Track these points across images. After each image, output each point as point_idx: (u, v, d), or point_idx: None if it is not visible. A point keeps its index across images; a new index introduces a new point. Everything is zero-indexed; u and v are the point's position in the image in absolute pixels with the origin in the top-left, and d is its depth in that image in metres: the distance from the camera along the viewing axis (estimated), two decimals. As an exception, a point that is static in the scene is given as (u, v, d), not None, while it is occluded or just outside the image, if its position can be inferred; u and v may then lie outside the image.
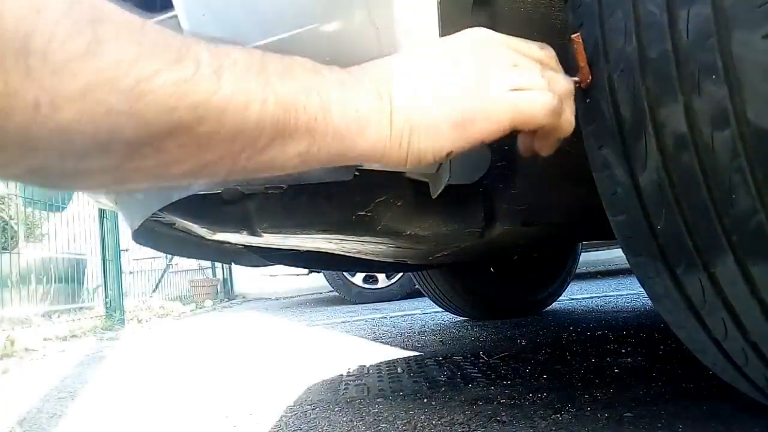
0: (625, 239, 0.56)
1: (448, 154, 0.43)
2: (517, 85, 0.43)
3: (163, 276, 6.53)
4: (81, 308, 3.95)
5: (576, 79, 0.51)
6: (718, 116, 0.42)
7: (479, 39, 0.45)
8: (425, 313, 2.59)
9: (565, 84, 0.47)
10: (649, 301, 2.16)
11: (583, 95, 0.53)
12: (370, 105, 0.40)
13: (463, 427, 0.81)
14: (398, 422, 0.87)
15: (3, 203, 3.94)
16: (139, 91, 0.28)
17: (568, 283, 2.18)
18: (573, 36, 0.51)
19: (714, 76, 0.41)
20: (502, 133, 0.44)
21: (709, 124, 0.43)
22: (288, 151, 0.37)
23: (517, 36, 0.50)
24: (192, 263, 6.78)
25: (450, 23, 0.54)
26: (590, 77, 0.51)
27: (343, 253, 1.05)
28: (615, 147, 0.50)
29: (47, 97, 0.26)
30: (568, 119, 0.47)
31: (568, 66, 0.51)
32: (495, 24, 0.59)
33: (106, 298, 3.93)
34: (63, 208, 3.98)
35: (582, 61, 0.51)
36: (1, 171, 0.29)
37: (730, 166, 0.42)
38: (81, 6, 0.27)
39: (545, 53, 0.48)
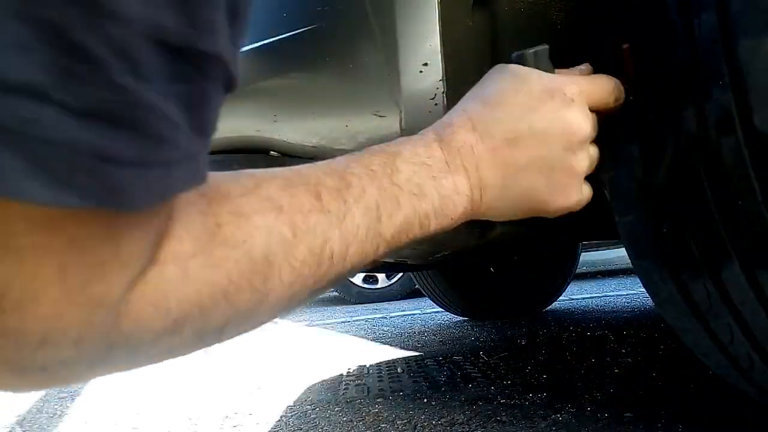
0: (630, 241, 0.56)
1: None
2: (581, 171, 0.46)
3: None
4: (80, 308, 3.94)
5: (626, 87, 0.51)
6: (725, 121, 0.42)
7: (570, 119, 0.45)
8: (425, 313, 2.59)
9: (596, 158, 0.49)
10: (649, 302, 2.16)
11: (627, 92, 0.52)
12: (464, 210, 0.44)
13: (463, 427, 0.81)
14: (398, 422, 0.87)
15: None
16: (289, 306, 0.37)
17: (568, 283, 2.18)
18: (623, 46, 0.51)
19: (721, 82, 0.41)
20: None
21: (716, 129, 0.43)
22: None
23: (519, 39, 0.50)
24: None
25: (450, 22, 0.54)
26: (632, 75, 0.50)
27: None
28: (642, 143, 0.51)
29: (227, 339, 0.35)
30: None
31: (618, 66, 0.51)
32: (495, 24, 0.59)
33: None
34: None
35: (628, 68, 0.50)
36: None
37: (736, 171, 0.42)
38: (258, 268, 0.31)
39: (614, 107, 0.49)
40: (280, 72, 0.60)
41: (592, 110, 0.46)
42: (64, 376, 0.27)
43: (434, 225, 0.42)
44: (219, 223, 0.29)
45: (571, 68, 0.50)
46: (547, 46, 0.48)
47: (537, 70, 0.46)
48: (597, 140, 0.48)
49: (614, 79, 0.49)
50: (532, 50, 0.48)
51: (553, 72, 0.47)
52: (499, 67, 0.48)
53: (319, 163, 0.39)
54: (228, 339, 0.35)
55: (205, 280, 0.28)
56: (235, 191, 0.31)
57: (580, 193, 0.46)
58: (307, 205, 0.34)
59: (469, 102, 0.46)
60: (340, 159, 0.40)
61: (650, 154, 0.49)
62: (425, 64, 0.55)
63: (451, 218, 0.43)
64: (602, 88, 0.47)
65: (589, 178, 0.48)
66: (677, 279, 0.51)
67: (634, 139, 0.51)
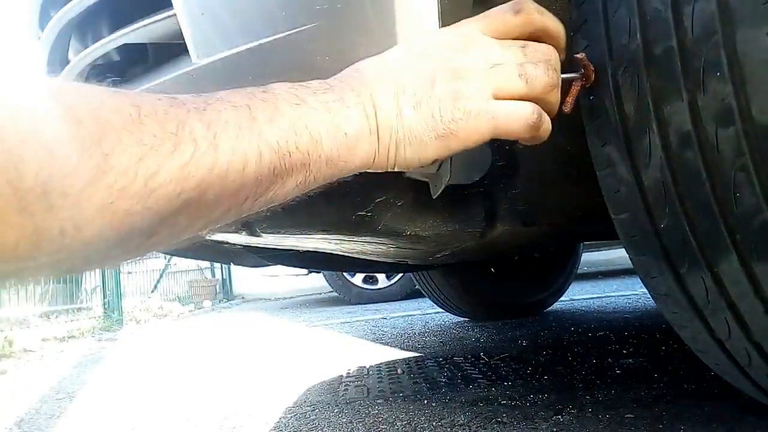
0: (627, 238, 0.56)
1: (434, 161, 0.45)
2: (496, 92, 0.43)
3: (161, 276, 6.53)
4: (79, 309, 3.95)
5: (574, 75, 0.50)
6: (723, 114, 0.41)
7: (460, 35, 0.45)
8: (425, 314, 2.59)
9: (545, 80, 0.45)
10: (651, 302, 2.15)
11: (587, 93, 0.52)
12: (358, 126, 0.41)
13: (464, 429, 0.81)
14: (398, 423, 0.87)
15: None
16: (148, 189, 0.31)
17: (569, 284, 2.18)
18: (576, 56, 0.50)
19: (718, 74, 0.41)
20: (484, 142, 0.44)
21: (713, 121, 0.42)
22: (286, 186, 0.39)
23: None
24: (191, 264, 6.77)
25: (450, 20, 0.54)
26: (593, 77, 0.50)
27: (342, 253, 1.05)
28: (618, 144, 0.50)
29: (70, 224, 0.28)
30: (546, 129, 0.46)
31: (572, 65, 0.50)
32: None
33: (104, 298, 3.93)
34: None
35: (585, 66, 0.50)
36: (29, 274, 0.31)
37: (734, 164, 0.42)
38: (85, 126, 0.29)
39: (520, 18, 0.45)
40: (279, 71, 0.59)
41: (501, 35, 0.45)
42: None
43: (327, 141, 0.39)
44: (32, 83, 0.28)
45: None
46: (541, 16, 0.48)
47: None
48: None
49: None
50: None
51: None
52: None
53: None
54: (67, 217, 0.28)
55: (4, 116, 0.26)
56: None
57: (476, 101, 0.43)
58: (154, 98, 0.33)
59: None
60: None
61: (633, 154, 0.49)
62: (425, 63, 0.54)
63: (345, 133, 0.40)
64: (494, 9, 0.46)
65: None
66: (675, 274, 0.50)
67: (610, 141, 0.51)
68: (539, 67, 0.44)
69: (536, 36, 0.46)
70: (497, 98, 0.43)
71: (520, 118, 0.44)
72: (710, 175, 0.43)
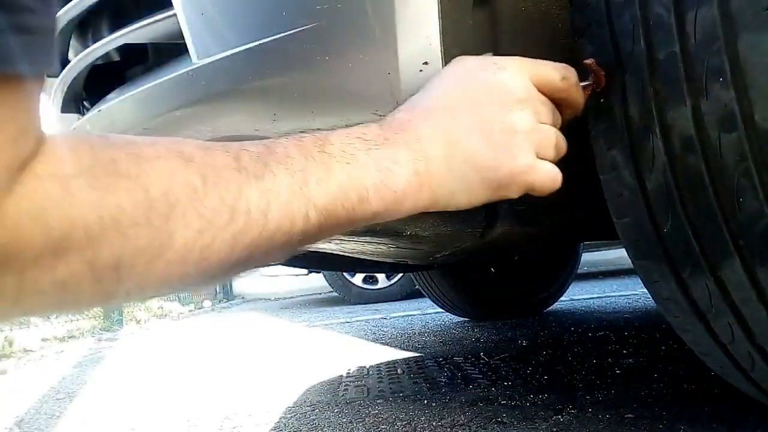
0: (630, 242, 0.55)
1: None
2: (539, 148, 0.46)
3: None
4: (80, 309, 3.94)
5: (588, 83, 0.51)
6: (726, 119, 0.41)
7: (504, 82, 0.45)
8: (425, 314, 2.59)
9: (563, 150, 0.48)
10: (651, 302, 2.15)
11: (596, 96, 0.52)
12: (408, 184, 0.42)
13: (464, 429, 0.81)
14: (398, 423, 0.87)
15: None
16: (204, 256, 0.33)
17: (569, 284, 2.18)
18: (585, 61, 0.51)
19: (721, 79, 0.41)
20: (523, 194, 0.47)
21: (716, 126, 0.42)
22: (331, 235, 0.41)
23: (520, 38, 0.50)
24: (191, 264, 6.75)
25: (450, 22, 0.54)
26: (603, 83, 0.51)
27: (343, 253, 1.05)
28: (623, 148, 0.50)
29: (135, 289, 0.32)
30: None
31: (581, 71, 0.50)
32: (495, 23, 0.59)
33: (105, 298, 3.92)
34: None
35: (595, 71, 0.51)
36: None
37: (737, 170, 0.42)
38: (157, 208, 0.31)
39: (564, 85, 0.48)
40: (279, 71, 0.59)
41: (542, 91, 0.47)
42: None
43: (375, 198, 0.40)
44: (114, 158, 0.30)
45: None
46: (490, 54, 0.50)
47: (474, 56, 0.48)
48: (574, 148, 0.48)
49: (563, 65, 0.48)
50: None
51: None
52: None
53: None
54: (135, 289, 0.32)
55: (90, 203, 0.28)
56: (144, 141, 0.33)
57: (528, 157, 0.44)
58: (221, 161, 0.34)
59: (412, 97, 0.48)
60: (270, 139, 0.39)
61: (637, 159, 0.49)
62: (425, 63, 0.54)
63: (395, 191, 0.41)
64: (543, 64, 0.47)
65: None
66: (678, 278, 0.50)
67: (615, 145, 0.51)
68: (563, 139, 0.48)
69: (559, 102, 0.49)
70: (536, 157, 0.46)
71: (553, 181, 0.47)
72: (713, 180, 0.44)
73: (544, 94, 0.47)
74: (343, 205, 0.39)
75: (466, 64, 0.47)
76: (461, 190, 0.45)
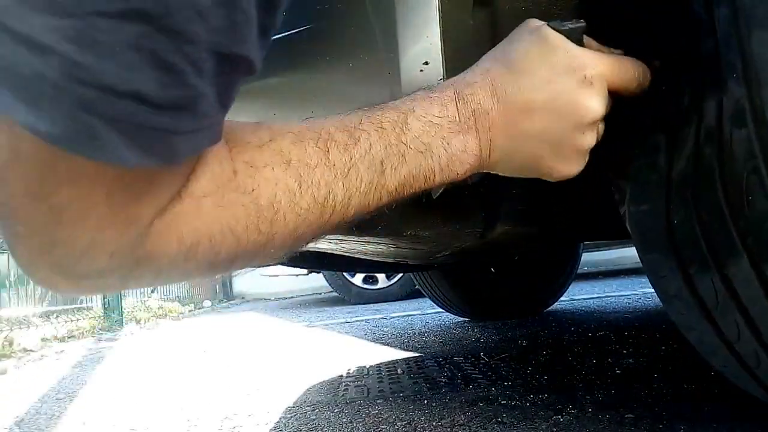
0: (641, 233, 0.55)
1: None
2: (587, 147, 0.48)
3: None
4: (79, 309, 3.95)
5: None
6: (738, 115, 0.42)
7: (588, 98, 0.46)
8: (425, 314, 2.59)
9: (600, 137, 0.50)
10: (651, 302, 2.15)
11: (657, 82, 0.52)
12: (471, 166, 0.46)
13: (464, 428, 0.81)
14: (398, 423, 0.87)
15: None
16: (294, 246, 0.40)
17: (569, 284, 2.18)
18: (655, 64, 0.52)
19: (735, 75, 0.41)
20: None
21: (729, 122, 0.42)
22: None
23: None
24: (191, 264, 6.75)
25: (450, 22, 0.54)
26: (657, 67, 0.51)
27: (342, 253, 1.05)
28: (669, 133, 0.50)
29: (238, 269, 0.40)
30: None
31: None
32: (495, 23, 0.59)
33: (104, 298, 3.93)
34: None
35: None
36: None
37: (746, 167, 0.42)
38: (263, 212, 0.36)
39: (637, 90, 0.49)
40: (279, 70, 0.59)
41: (612, 91, 0.47)
42: (102, 285, 0.34)
43: (439, 179, 0.45)
44: (235, 170, 0.35)
45: (603, 50, 0.50)
46: (583, 24, 0.48)
47: (567, 41, 0.46)
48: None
49: (641, 64, 0.49)
50: (567, 26, 0.47)
51: (582, 49, 0.47)
52: (532, 28, 0.48)
53: (334, 117, 0.42)
54: (238, 269, 0.40)
55: (215, 218, 0.34)
56: (253, 142, 0.37)
57: (580, 165, 0.48)
58: (314, 159, 0.38)
59: (493, 62, 0.48)
60: (354, 114, 0.42)
61: (674, 145, 0.49)
62: (426, 63, 0.54)
63: (457, 173, 0.45)
64: (626, 71, 0.48)
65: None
66: (685, 274, 0.50)
67: (660, 129, 0.51)
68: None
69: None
70: None
71: (581, 169, 0.50)
72: (723, 175, 0.44)
73: (613, 91, 0.48)
74: (411, 186, 0.44)
75: (554, 56, 0.46)
76: (509, 171, 0.49)
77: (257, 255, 0.38)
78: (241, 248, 0.36)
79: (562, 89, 0.45)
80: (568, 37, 0.47)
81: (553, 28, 0.47)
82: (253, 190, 0.35)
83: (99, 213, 0.29)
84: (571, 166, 0.48)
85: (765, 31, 0.40)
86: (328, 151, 0.39)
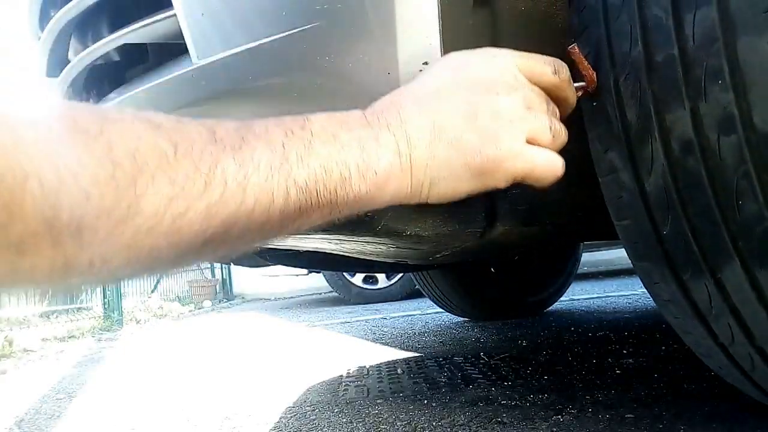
0: (630, 244, 0.55)
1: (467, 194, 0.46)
2: (529, 138, 0.44)
3: (161, 276, 6.52)
4: (79, 309, 3.95)
5: (582, 84, 0.51)
6: (725, 121, 0.41)
7: (492, 68, 0.45)
8: (425, 314, 2.59)
9: (563, 138, 0.47)
10: (651, 302, 2.14)
11: (589, 98, 0.52)
12: (389, 165, 0.41)
13: (464, 429, 0.81)
14: (398, 423, 0.87)
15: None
16: (175, 227, 0.31)
17: (569, 284, 2.18)
18: (569, 48, 0.51)
19: (720, 81, 0.41)
20: (514, 182, 0.45)
21: (715, 129, 0.42)
22: (311, 219, 0.39)
23: (520, 38, 0.49)
24: (191, 264, 6.75)
25: (450, 22, 0.54)
26: (596, 82, 0.51)
27: (342, 253, 1.05)
28: (621, 151, 0.50)
29: (99, 257, 0.30)
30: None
31: (573, 72, 0.50)
32: (495, 23, 0.59)
33: (104, 298, 3.93)
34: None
35: (584, 68, 0.50)
36: (59, 289, 0.33)
37: (736, 172, 0.42)
38: (122, 168, 0.29)
39: (556, 79, 0.47)
40: (279, 71, 0.59)
41: (533, 81, 0.46)
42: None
43: (357, 177, 0.39)
44: (75, 118, 0.29)
45: None
46: (560, 66, 0.49)
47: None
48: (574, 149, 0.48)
49: (549, 57, 0.48)
50: None
51: None
52: None
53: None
54: (96, 253, 0.30)
55: (46, 154, 0.26)
56: (110, 108, 0.31)
57: (514, 143, 0.43)
58: (194, 133, 0.33)
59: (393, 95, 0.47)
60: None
61: (636, 161, 0.49)
62: (425, 63, 0.54)
63: (375, 171, 0.40)
64: (535, 57, 0.47)
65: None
66: (678, 280, 0.50)
67: (612, 147, 0.51)
68: (562, 126, 0.47)
69: (553, 98, 0.48)
70: (529, 144, 0.45)
71: (554, 170, 0.46)
72: (713, 182, 0.44)
73: (535, 85, 0.47)
74: (324, 185, 0.38)
75: (458, 54, 0.47)
76: (445, 177, 0.43)
77: (118, 225, 0.30)
78: (91, 207, 0.28)
79: (467, 65, 0.45)
80: None
81: None
82: (100, 134, 0.29)
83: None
84: (498, 141, 0.43)
85: (751, 36, 0.39)
86: (213, 130, 0.34)
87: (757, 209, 0.42)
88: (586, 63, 0.50)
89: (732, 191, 0.43)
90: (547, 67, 0.47)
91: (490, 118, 0.43)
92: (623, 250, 0.60)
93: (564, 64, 0.48)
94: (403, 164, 0.41)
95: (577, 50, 0.50)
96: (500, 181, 0.45)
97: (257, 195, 0.34)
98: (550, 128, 0.46)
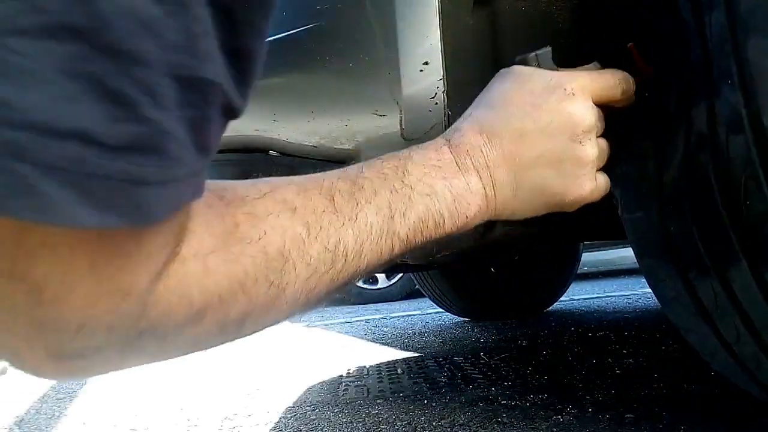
0: (638, 239, 0.55)
1: None
2: (590, 159, 0.47)
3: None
4: (80, 309, 3.94)
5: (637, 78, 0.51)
6: (734, 121, 0.42)
7: (573, 112, 0.46)
8: (425, 314, 2.59)
9: (608, 151, 0.49)
10: (651, 302, 2.15)
11: (642, 89, 0.52)
12: (479, 208, 0.45)
13: (464, 428, 0.81)
14: (398, 423, 0.87)
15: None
16: (307, 300, 0.38)
17: (569, 284, 2.18)
18: (627, 46, 0.51)
19: (730, 81, 0.41)
20: None
21: (725, 128, 0.43)
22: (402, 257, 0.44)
23: (519, 38, 0.50)
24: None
25: (450, 22, 0.54)
26: (651, 77, 0.51)
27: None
28: (657, 139, 0.50)
29: (249, 333, 0.39)
30: None
31: (629, 67, 0.51)
32: (495, 23, 0.59)
33: (105, 298, 3.92)
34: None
35: (641, 65, 0.51)
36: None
37: (744, 172, 0.42)
38: (272, 265, 0.34)
39: (623, 99, 0.49)
40: (279, 71, 0.59)
41: (599, 104, 0.47)
42: (99, 364, 0.30)
43: (449, 223, 0.44)
44: (236, 222, 0.33)
45: (578, 68, 0.50)
46: (549, 48, 0.49)
47: (539, 69, 0.47)
48: (609, 134, 0.48)
49: (621, 72, 0.49)
50: (533, 53, 0.48)
51: (556, 71, 0.48)
52: (503, 72, 0.49)
53: (334, 170, 0.41)
54: (249, 333, 0.37)
55: (224, 273, 0.31)
56: (251, 194, 0.35)
57: (592, 182, 0.47)
58: (320, 206, 0.37)
59: (475, 107, 0.48)
60: (353, 166, 0.42)
61: (663, 152, 0.49)
62: (425, 63, 0.54)
63: (466, 216, 0.45)
64: (606, 81, 0.48)
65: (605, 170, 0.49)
66: (684, 279, 0.50)
67: (649, 136, 0.51)
68: (607, 144, 0.49)
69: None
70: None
71: (606, 189, 0.49)
72: (720, 181, 0.44)
73: (601, 105, 0.48)
74: (422, 233, 0.42)
75: (530, 84, 0.46)
76: (524, 210, 0.48)
77: (269, 311, 0.36)
78: (251, 305, 0.34)
79: (547, 108, 0.45)
80: (539, 65, 0.48)
81: (522, 59, 0.48)
82: (259, 239, 0.33)
83: (85, 287, 0.25)
84: (581, 186, 0.47)
85: (760, 37, 0.40)
86: (333, 198, 0.38)
87: (764, 209, 0.42)
88: (642, 61, 0.51)
89: (739, 190, 0.43)
90: (618, 91, 0.48)
91: (574, 165, 0.46)
92: (623, 250, 0.60)
93: (631, 79, 0.50)
94: (489, 206, 0.46)
95: (634, 49, 0.51)
96: (572, 209, 0.49)
97: (369, 258, 0.40)
98: (606, 153, 0.49)
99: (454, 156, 0.45)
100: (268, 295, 0.34)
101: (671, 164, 0.48)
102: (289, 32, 0.56)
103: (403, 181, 0.42)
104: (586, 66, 0.51)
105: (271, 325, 0.38)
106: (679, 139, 0.47)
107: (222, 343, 0.36)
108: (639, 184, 0.53)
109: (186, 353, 0.34)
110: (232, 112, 0.26)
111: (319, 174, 0.40)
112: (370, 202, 0.40)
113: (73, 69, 0.19)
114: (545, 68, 0.47)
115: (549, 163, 0.45)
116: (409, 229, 0.41)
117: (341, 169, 0.41)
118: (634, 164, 0.54)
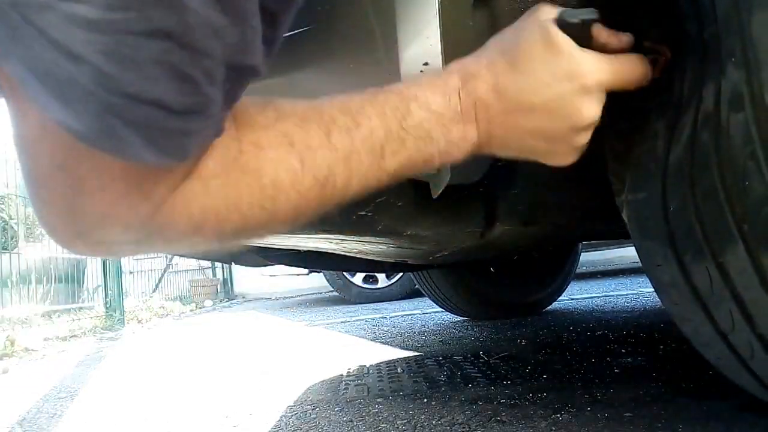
0: (638, 221, 0.55)
1: None
2: (581, 146, 0.49)
3: (163, 276, 6.53)
4: (81, 308, 3.95)
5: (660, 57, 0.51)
6: (735, 99, 0.41)
7: (581, 114, 0.46)
8: (425, 313, 2.59)
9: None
10: (650, 301, 2.14)
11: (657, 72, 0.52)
12: (467, 153, 0.48)
13: (463, 427, 0.81)
14: (398, 422, 0.87)
15: (3, 203, 3.94)
16: (296, 221, 0.43)
17: (569, 283, 2.18)
18: (649, 45, 0.51)
19: (733, 59, 0.41)
20: None
21: (727, 106, 0.42)
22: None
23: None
24: (192, 263, 6.77)
25: (450, 22, 0.54)
26: (669, 59, 0.51)
27: (343, 253, 1.05)
28: (669, 119, 0.50)
29: (243, 239, 0.43)
30: None
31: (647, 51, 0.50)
32: (495, 23, 0.59)
33: (106, 298, 3.94)
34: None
35: (660, 48, 0.51)
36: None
37: (743, 152, 0.41)
38: (267, 190, 0.39)
39: (642, 81, 0.50)
40: (280, 71, 0.60)
41: (612, 91, 0.48)
42: (117, 249, 0.38)
43: (438, 161, 0.47)
44: (241, 150, 0.38)
45: (616, 33, 0.49)
46: (595, 15, 0.46)
47: (571, 44, 0.46)
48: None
49: (644, 63, 0.49)
50: (579, 18, 0.46)
51: (589, 46, 0.47)
52: (542, 21, 0.47)
53: (338, 99, 0.43)
54: (245, 243, 0.44)
55: (222, 196, 0.37)
56: (259, 122, 0.40)
57: (573, 159, 0.50)
58: (316, 141, 0.41)
59: (499, 54, 0.48)
60: (357, 98, 0.44)
61: (672, 131, 0.49)
62: (425, 64, 0.55)
63: (455, 157, 0.48)
64: (628, 73, 0.48)
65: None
66: (680, 262, 0.50)
67: (661, 116, 0.51)
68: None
69: None
70: None
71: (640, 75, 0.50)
72: (720, 160, 0.43)
73: (611, 89, 0.48)
74: (410, 169, 0.46)
75: (556, 61, 0.46)
76: (504, 155, 0.51)
77: (261, 229, 0.41)
78: (244, 224, 0.39)
79: (561, 94, 0.46)
80: (577, 34, 0.46)
81: (564, 22, 0.46)
82: (258, 169, 0.38)
83: (116, 187, 0.33)
84: (564, 159, 0.50)
85: (765, 13, 0.39)
86: (330, 134, 0.41)
87: (764, 191, 0.41)
88: (661, 46, 0.51)
89: (739, 171, 0.42)
90: (634, 82, 0.48)
91: (565, 147, 0.49)
92: (622, 250, 0.60)
93: (649, 72, 0.49)
94: (476, 149, 0.49)
95: (655, 44, 0.51)
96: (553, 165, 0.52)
97: (357, 189, 0.44)
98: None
99: (461, 104, 0.46)
100: (260, 218, 0.39)
101: (679, 143, 0.48)
102: (290, 32, 0.56)
103: (401, 125, 0.44)
104: (622, 36, 0.49)
105: (262, 237, 0.44)
106: (689, 118, 0.47)
107: (218, 245, 0.41)
108: (648, 163, 0.52)
109: (189, 249, 0.41)
110: (258, 75, 0.34)
111: (323, 101, 0.43)
112: (365, 143, 0.42)
113: (161, 58, 0.27)
114: (580, 39, 0.46)
115: (544, 138, 0.48)
116: (397, 166, 0.45)
117: (346, 97, 0.44)
118: (646, 143, 0.53)
